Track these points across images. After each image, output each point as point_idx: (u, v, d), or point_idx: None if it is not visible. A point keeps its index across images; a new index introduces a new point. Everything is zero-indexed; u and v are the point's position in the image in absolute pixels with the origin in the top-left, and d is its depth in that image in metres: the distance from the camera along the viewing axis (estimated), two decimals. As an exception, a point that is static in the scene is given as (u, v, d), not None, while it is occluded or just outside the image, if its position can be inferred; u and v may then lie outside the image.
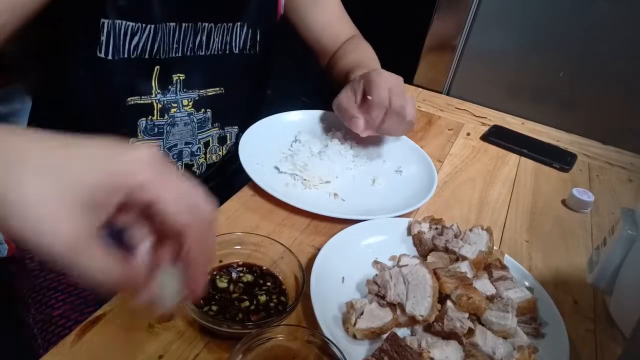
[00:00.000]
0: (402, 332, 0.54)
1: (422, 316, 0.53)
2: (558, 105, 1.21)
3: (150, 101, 0.75)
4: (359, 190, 0.78)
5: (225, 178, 0.91)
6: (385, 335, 0.51)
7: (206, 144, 0.85)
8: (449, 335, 0.52)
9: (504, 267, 0.63)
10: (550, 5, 1.14)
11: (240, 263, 0.57)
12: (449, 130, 1.06)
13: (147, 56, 0.71)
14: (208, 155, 0.87)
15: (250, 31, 0.81)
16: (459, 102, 1.21)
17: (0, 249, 0.75)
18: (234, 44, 0.80)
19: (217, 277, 0.55)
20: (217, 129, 0.86)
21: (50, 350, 0.48)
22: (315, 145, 0.83)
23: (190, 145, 0.83)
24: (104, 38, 0.66)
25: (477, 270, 0.61)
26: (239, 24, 0.79)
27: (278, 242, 0.57)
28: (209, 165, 0.88)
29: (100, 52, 0.67)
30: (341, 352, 0.45)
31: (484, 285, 0.58)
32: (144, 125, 0.76)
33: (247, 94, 0.89)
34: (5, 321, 0.74)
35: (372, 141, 0.88)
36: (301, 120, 0.91)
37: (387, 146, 0.89)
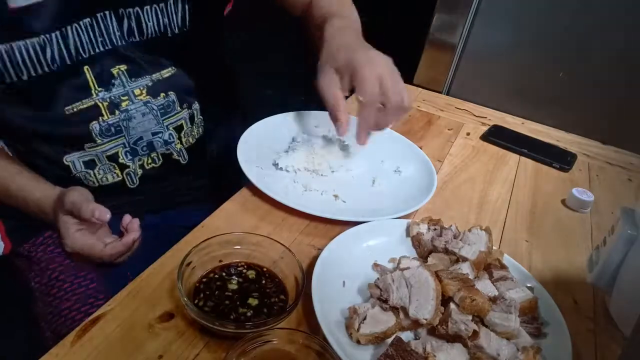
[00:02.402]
0: (406, 335, 0.54)
1: (426, 319, 0.52)
2: (558, 105, 1.21)
3: (92, 102, 0.71)
4: (359, 192, 0.78)
5: (212, 160, 0.88)
6: (389, 340, 0.51)
7: (179, 129, 0.81)
8: (453, 338, 0.52)
9: (503, 267, 0.63)
10: (550, 5, 1.14)
11: (242, 263, 0.57)
12: (448, 130, 1.06)
13: (68, 62, 0.67)
14: (184, 139, 0.82)
15: (187, 6, 0.76)
16: (459, 102, 1.21)
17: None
18: (172, 23, 0.76)
19: (226, 276, 0.55)
20: (186, 109, 0.81)
21: (50, 350, 0.48)
22: (315, 145, 0.83)
23: (159, 135, 0.78)
24: (1, 65, 0.63)
25: (478, 270, 0.61)
26: (171, 1, 0.74)
27: (278, 242, 0.57)
28: (188, 149, 0.83)
29: (7, 79, 0.64)
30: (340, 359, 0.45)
31: (485, 286, 0.58)
32: (97, 129, 0.72)
33: (203, 68, 0.84)
34: (14, 316, 0.73)
35: (372, 141, 0.88)
36: (301, 120, 0.91)
37: (387, 146, 0.88)
